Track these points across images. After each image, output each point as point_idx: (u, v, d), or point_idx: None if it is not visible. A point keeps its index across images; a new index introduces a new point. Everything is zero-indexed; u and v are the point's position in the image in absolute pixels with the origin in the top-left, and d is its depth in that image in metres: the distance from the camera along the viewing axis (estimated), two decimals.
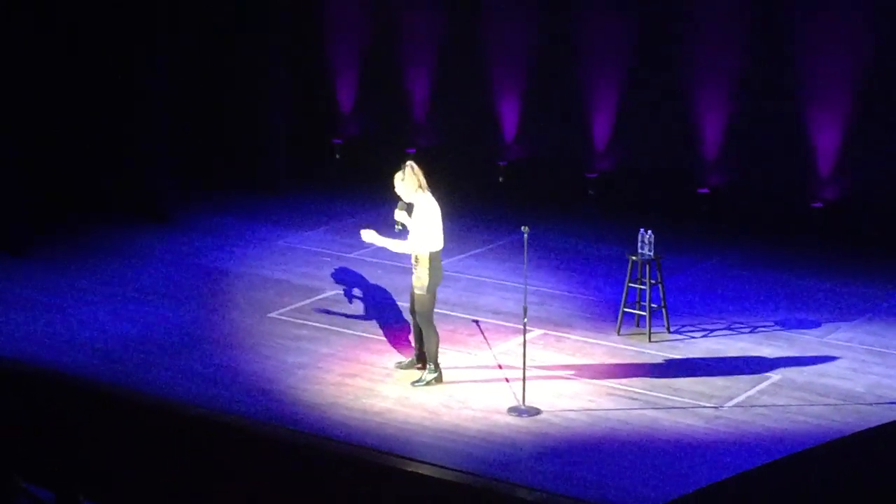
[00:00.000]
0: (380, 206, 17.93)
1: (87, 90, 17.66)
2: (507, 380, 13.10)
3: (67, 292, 15.26)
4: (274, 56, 19.03)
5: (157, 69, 17.74)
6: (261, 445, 12.08)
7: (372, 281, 15.65)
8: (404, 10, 19.31)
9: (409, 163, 12.92)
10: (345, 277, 15.80)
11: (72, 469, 12.59)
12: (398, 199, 12.93)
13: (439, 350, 12.98)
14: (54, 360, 13.44)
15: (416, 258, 12.83)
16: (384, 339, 14.05)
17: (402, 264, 15.62)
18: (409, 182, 12.79)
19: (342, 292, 15.35)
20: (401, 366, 13.26)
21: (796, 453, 11.61)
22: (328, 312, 14.63)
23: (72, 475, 12.49)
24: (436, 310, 13.04)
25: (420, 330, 13.00)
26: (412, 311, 13.05)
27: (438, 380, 12.96)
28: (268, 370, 13.33)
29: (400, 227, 13.02)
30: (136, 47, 17.64)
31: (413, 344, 13.24)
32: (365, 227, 13.19)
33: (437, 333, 12.94)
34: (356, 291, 15.37)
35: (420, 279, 12.81)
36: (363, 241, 13.26)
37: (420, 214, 12.77)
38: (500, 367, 13.41)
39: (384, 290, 15.32)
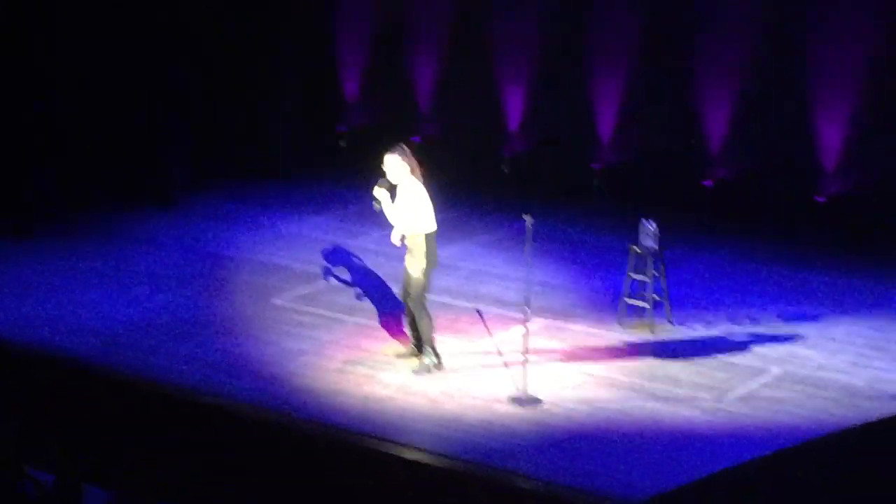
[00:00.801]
0: None
1: (97, 74, 17.67)
2: (506, 365, 13.10)
3: (70, 275, 15.28)
4: (280, 44, 19.04)
5: (164, 58, 17.76)
6: (261, 432, 12.10)
7: (374, 268, 15.66)
8: None
9: (402, 145, 12.93)
10: (347, 265, 15.82)
11: (73, 453, 12.61)
12: (382, 176, 12.89)
13: (434, 334, 12.98)
14: (56, 343, 13.46)
15: (411, 243, 12.83)
16: (386, 327, 14.06)
17: (404, 252, 15.62)
18: (406, 164, 12.78)
19: (344, 279, 15.37)
20: (401, 356, 13.25)
21: (795, 445, 11.63)
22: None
23: (73, 459, 12.51)
24: (437, 298, 13.07)
25: (413, 316, 13.04)
26: (403, 297, 13.06)
27: (438, 366, 12.97)
28: (269, 356, 13.35)
29: (378, 207, 12.98)
30: (147, 36, 17.67)
31: (408, 332, 13.25)
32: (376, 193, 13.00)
33: (430, 317, 12.94)
34: (358, 279, 15.38)
35: (414, 262, 12.82)
36: (374, 199, 13.01)
37: (408, 196, 12.76)
38: (501, 356, 13.42)
39: (386, 278, 15.33)
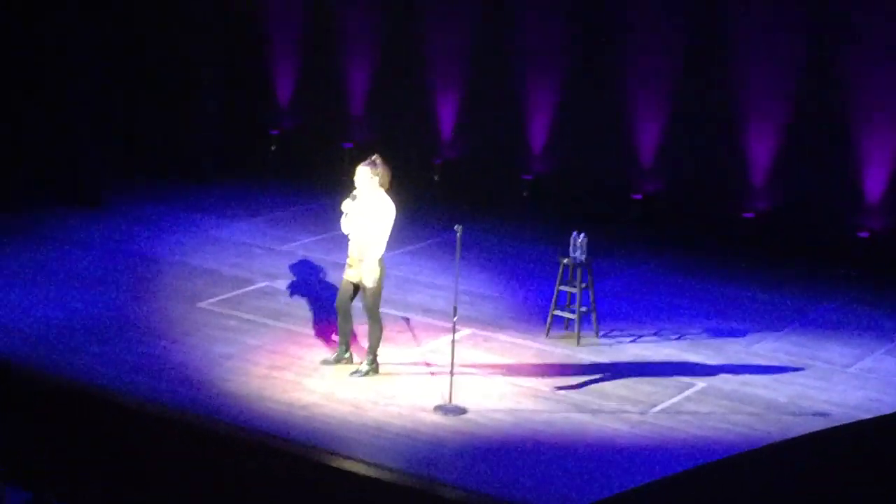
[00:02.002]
0: (314, 199, 17.89)
1: (21, 72, 17.52)
2: (433, 375, 13.10)
3: None
4: (212, 45, 18.95)
5: (91, 54, 17.62)
6: (185, 436, 12.02)
7: (302, 274, 15.61)
8: (345, 4, 19.27)
9: (375, 157, 12.91)
10: (275, 270, 15.75)
11: None
12: (353, 188, 12.85)
13: (381, 344, 13.04)
14: None
15: (361, 253, 12.81)
16: (313, 332, 14.02)
17: (333, 259, 15.59)
18: (382, 177, 12.79)
19: (272, 284, 15.30)
20: (327, 363, 13.23)
21: (717, 460, 11.69)
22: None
23: None
24: None
25: (346, 323, 13.06)
26: (341, 306, 13.03)
27: (375, 371, 13.00)
28: (194, 360, 13.25)
29: (346, 217, 12.94)
30: (69, 31, 17.52)
31: (339, 339, 13.21)
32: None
33: (382, 327, 12.97)
34: (286, 284, 15.32)
35: (370, 272, 12.79)
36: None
37: (382, 214, 12.77)
38: (427, 365, 13.41)
39: (314, 284, 15.28)
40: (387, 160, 13.01)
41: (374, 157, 12.96)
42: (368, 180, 12.81)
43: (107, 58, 17.90)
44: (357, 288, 12.99)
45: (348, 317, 13.08)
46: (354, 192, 12.90)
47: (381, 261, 12.88)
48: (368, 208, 12.82)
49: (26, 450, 12.38)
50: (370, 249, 12.81)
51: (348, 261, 12.98)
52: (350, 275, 12.96)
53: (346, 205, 12.90)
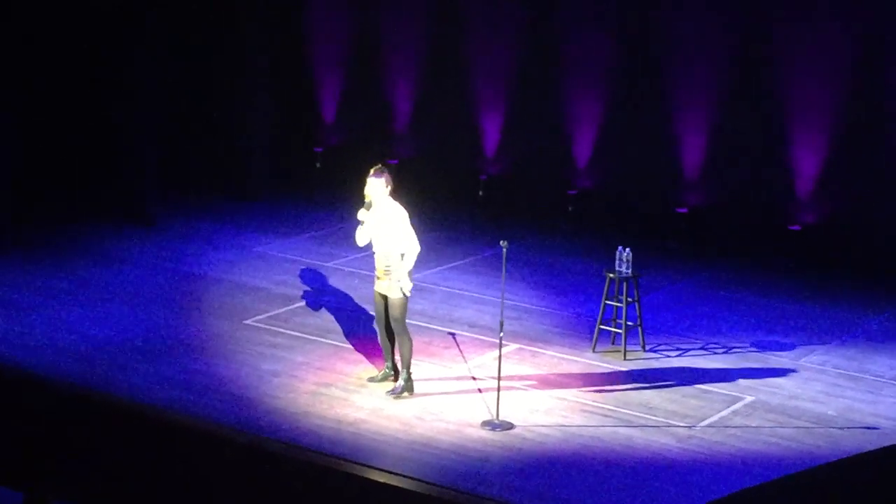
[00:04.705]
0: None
1: (76, 93, 17.70)
2: (479, 390, 13.10)
3: (45, 293, 15.23)
4: (257, 64, 19.05)
5: (142, 75, 17.77)
6: (233, 453, 12.06)
7: (348, 291, 15.65)
8: (388, 21, 19.34)
9: (380, 166, 12.98)
10: (322, 286, 15.80)
11: (42, 470, 12.55)
12: (361, 197, 12.92)
13: (413, 357, 13.02)
14: (28, 361, 13.40)
15: (388, 265, 12.82)
16: (359, 349, 14.05)
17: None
18: (386, 184, 12.82)
19: (319, 301, 15.35)
20: (373, 380, 13.24)
21: (773, 480, 11.61)
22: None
23: (42, 476, 12.46)
24: (412, 321, 13.06)
25: (389, 339, 13.04)
26: (380, 321, 13.04)
27: (410, 389, 12.98)
28: (242, 377, 13.31)
29: (362, 227, 12.98)
30: (122, 52, 17.68)
31: (384, 354, 13.22)
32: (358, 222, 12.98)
33: (411, 339, 12.96)
34: (333, 301, 15.37)
35: (393, 284, 12.80)
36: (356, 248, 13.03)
37: (396, 220, 12.79)
38: (474, 380, 13.42)
39: (360, 300, 15.32)
40: (402, 175, 12.99)
41: (379, 166, 13.00)
42: (381, 189, 12.84)
43: (160, 80, 18.05)
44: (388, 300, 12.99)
45: (388, 332, 13.08)
46: (367, 202, 12.91)
47: (409, 272, 12.87)
48: (385, 217, 12.83)
49: (79, 469, 12.45)
50: (398, 255, 12.77)
51: (376, 273, 12.98)
52: (379, 287, 12.97)
53: (363, 214, 12.91)
